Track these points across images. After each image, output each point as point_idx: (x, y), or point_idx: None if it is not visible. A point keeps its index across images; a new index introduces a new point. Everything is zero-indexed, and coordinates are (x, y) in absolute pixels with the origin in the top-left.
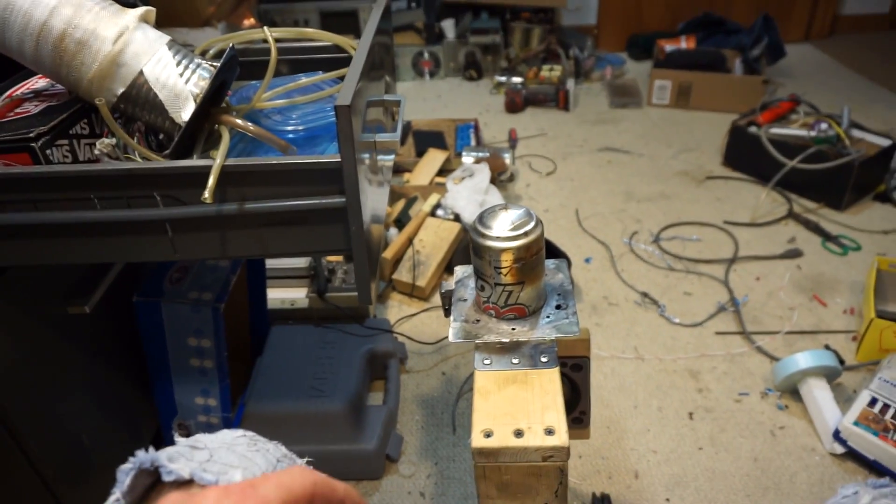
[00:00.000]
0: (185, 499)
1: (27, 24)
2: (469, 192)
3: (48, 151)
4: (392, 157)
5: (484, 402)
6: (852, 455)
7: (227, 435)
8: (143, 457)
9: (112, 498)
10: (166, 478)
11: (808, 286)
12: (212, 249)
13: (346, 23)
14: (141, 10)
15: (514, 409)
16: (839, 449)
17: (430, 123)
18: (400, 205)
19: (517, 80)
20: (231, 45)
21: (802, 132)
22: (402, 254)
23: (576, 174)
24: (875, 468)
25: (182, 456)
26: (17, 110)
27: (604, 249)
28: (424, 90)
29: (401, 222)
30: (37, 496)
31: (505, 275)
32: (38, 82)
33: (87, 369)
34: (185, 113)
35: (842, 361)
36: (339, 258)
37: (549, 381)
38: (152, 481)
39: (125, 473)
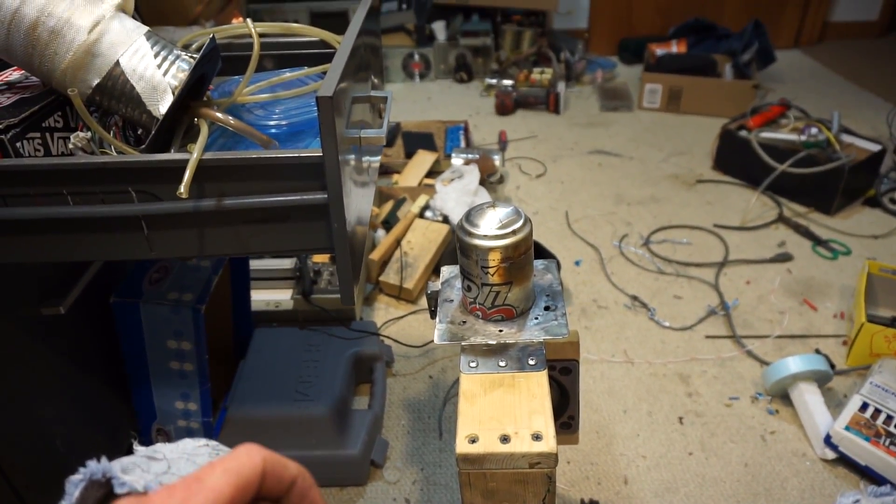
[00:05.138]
0: (133, 502)
1: None
2: (458, 194)
3: (18, 144)
4: (378, 157)
5: (469, 407)
6: (843, 461)
7: (187, 444)
8: (94, 467)
9: None
10: (119, 490)
11: (798, 290)
12: (189, 247)
13: (336, 24)
14: None
15: (501, 413)
16: (830, 454)
17: (419, 125)
18: (388, 206)
19: (508, 82)
20: (212, 35)
21: (793, 136)
22: (390, 255)
23: (566, 177)
24: (867, 474)
25: (137, 467)
26: None
27: (594, 252)
28: (414, 92)
29: (389, 223)
30: None
31: (492, 275)
32: (12, 74)
33: (62, 372)
34: (163, 106)
35: (832, 366)
36: (326, 259)
37: (537, 385)
38: (104, 494)
39: (74, 485)
